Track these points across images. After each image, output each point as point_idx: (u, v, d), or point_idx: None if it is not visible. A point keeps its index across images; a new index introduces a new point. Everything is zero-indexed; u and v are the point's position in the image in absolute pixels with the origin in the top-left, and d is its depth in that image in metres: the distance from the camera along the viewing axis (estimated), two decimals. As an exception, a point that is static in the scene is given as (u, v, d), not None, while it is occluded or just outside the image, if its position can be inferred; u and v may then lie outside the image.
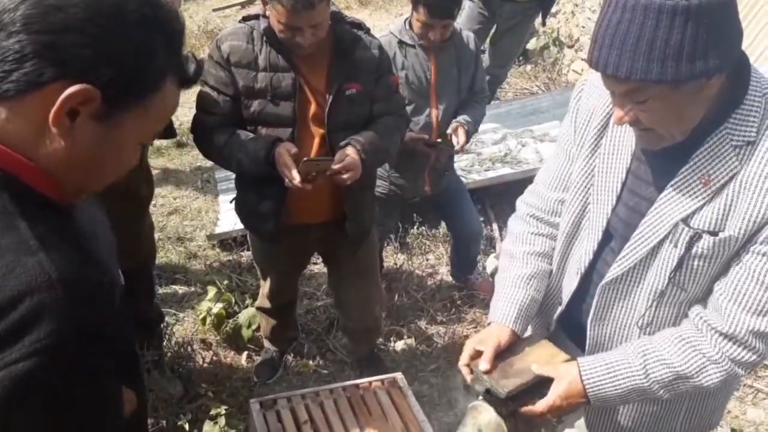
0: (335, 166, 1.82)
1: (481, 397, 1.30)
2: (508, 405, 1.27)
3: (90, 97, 0.69)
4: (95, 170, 0.77)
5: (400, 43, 2.46)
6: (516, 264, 1.45)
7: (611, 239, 1.31)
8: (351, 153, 1.85)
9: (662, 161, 1.19)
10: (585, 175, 1.33)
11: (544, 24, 4.43)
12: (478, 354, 1.33)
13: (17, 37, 0.67)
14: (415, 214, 3.47)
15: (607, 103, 1.26)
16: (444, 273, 3.31)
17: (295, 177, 1.78)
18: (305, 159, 1.78)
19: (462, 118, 2.58)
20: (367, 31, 2.01)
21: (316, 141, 1.92)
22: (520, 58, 5.11)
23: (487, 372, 1.28)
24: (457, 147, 2.54)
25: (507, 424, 1.26)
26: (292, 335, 2.71)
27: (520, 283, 1.41)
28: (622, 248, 1.26)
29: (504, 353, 1.32)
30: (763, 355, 1.18)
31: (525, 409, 1.27)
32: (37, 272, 0.64)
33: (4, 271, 0.64)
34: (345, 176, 1.83)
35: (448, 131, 2.55)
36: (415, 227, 3.48)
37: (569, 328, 1.45)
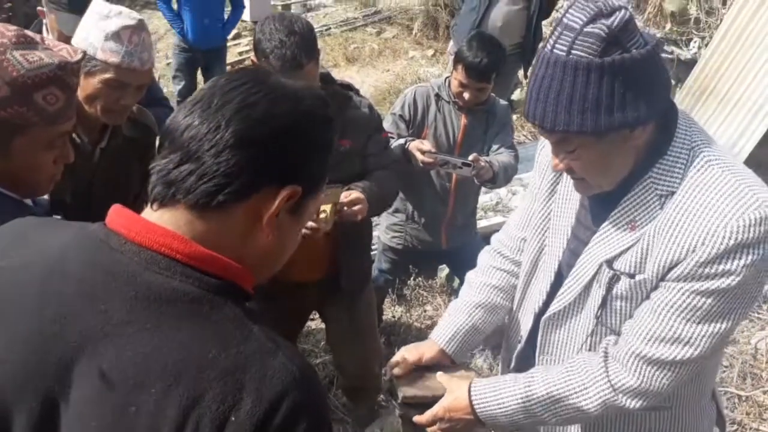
0: (344, 200, 1.81)
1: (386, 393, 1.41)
2: (407, 411, 1.36)
3: (295, 195, 0.75)
4: (281, 257, 0.83)
5: (437, 96, 2.57)
6: (469, 291, 1.53)
7: (562, 280, 1.35)
8: (355, 192, 1.87)
9: (598, 206, 1.25)
10: (542, 217, 1.40)
11: (526, 76, 4.58)
12: (402, 360, 1.43)
13: (231, 153, 0.71)
14: (410, 266, 3.47)
15: None
16: (443, 324, 3.28)
17: None
18: None
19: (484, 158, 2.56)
20: (357, 92, 2.08)
21: None
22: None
23: (398, 377, 1.39)
24: (470, 158, 2.41)
25: (404, 428, 1.36)
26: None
27: (465, 309, 1.49)
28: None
29: (428, 369, 1.40)
30: (645, 382, 1.17)
31: (416, 417, 1.33)
32: (285, 374, 0.68)
33: (260, 377, 0.67)
34: (356, 208, 1.83)
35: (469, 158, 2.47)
36: (412, 278, 3.48)
37: (527, 366, 1.46)
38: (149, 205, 0.76)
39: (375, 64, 7.13)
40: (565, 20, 1.06)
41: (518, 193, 4.08)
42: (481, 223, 3.77)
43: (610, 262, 1.20)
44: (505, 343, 1.56)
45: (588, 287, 1.25)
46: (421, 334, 3.20)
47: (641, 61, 1.05)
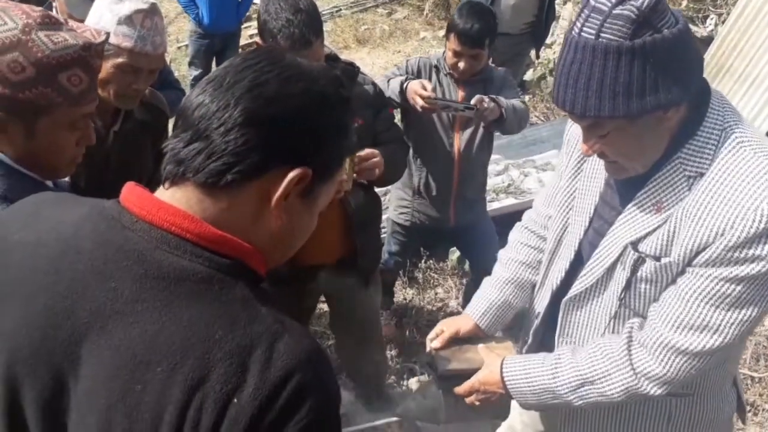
0: (360, 154, 1.81)
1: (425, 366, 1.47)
2: (444, 382, 1.41)
3: (305, 178, 0.74)
4: (293, 242, 0.82)
5: (436, 68, 2.53)
6: (500, 268, 1.57)
7: (582, 259, 1.35)
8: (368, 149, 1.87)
9: (625, 186, 1.24)
10: (567, 195, 1.39)
11: (538, 56, 4.53)
12: (440, 333, 1.49)
13: (241, 131, 0.71)
14: (422, 248, 3.48)
15: None
16: (454, 306, 3.30)
17: None
18: None
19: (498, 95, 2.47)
20: (359, 70, 2.07)
21: None
22: (518, 90, 5.19)
23: (437, 349, 1.44)
24: (473, 101, 2.32)
25: (445, 400, 1.41)
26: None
27: (496, 285, 1.54)
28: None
29: (465, 342, 1.46)
30: (672, 370, 1.16)
31: (455, 389, 1.38)
32: (290, 356, 0.68)
33: (264, 359, 0.67)
34: (374, 161, 1.82)
35: (472, 102, 2.36)
36: (423, 261, 3.48)
37: (543, 342, 1.48)
38: (162, 183, 0.76)
39: (386, 45, 7.07)
40: (592, 2, 1.03)
41: (530, 174, 4.05)
42: (493, 206, 3.74)
43: (635, 244, 1.19)
44: (524, 320, 1.58)
45: (611, 269, 1.24)
46: (432, 317, 3.22)
47: (673, 40, 1.02)
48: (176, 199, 0.74)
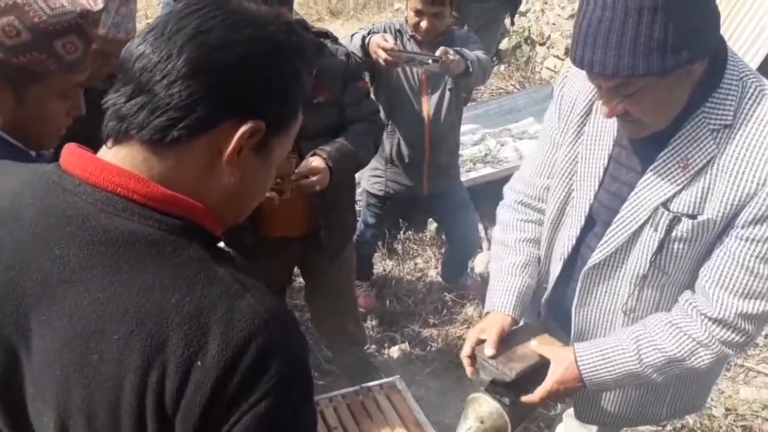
0: (301, 170, 1.79)
1: (482, 389, 1.32)
2: (510, 394, 1.29)
3: (257, 131, 0.70)
4: (249, 200, 0.78)
5: (398, 32, 2.47)
6: (509, 252, 1.47)
7: (594, 225, 1.33)
8: (315, 160, 1.84)
9: (643, 146, 1.21)
10: (569, 161, 1.35)
11: (512, 23, 4.50)
12: (480, 343, 1.35)
13: (185, 82, 0.66)
14: (400, 219, 3.48)
15: (590, 89, 1.29)
16: (433, 276, 3.32)
17: None
18: None
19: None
20: (334, 39, 2.02)
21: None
22: (494, 58, 5.17)
23: (493, 357, 1.30)
24: (438, 53, 2.23)
25: (508, 414, 1.29)
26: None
27: (515, 271, 1.43)
28: (605, 233, 1.28)
29: (506, 341, 1.35)
30: (751, 336, 1.20)
31: (525, 398, 1.29)
32: (252, 316, 0.66)
33: (226, 321, 0.64)
34: (313, 179, 1.80)
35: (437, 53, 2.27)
36: (402, 232, 3.49)
37: (556, 314, 1.48)
38: (104, 142, 0.72)
39: (360, 17, 6.97)
40: None
41: (507, 144, 4.05)
42: (470, 175, 3.75)
43: (665, 204, 1.17)
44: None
45: (638, 232, 1.22)
46: (412, 287, 3.24)
47: None
48: (120, 158, 0.70)
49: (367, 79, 2.52)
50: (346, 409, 1.84)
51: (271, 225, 2.00)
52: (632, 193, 1.22)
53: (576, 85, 1.34)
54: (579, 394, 1.47)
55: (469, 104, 4.34)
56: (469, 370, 1.36)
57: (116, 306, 0.65)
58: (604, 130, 1.28)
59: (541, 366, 1.31)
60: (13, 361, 0.69)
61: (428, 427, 1.78)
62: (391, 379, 1.99)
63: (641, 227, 1.22)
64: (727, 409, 2.49)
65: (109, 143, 0.71)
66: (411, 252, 3.46)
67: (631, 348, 1.25)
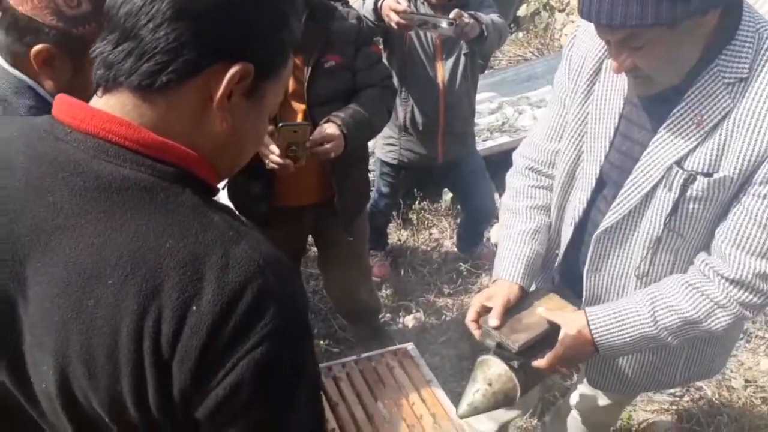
0: (315, 137, 1.77)
1: (491, 352, 1.29)
2: (519, 359, 1.26)
3: (247, 75, 0.69)
4: (243, 149, 0.77)
5: None
6: (519, 219, 1.43)
7: (605, 187, 1.29)
8: (330, 127, 1.82)
9: (655, 104, 1.17)
10: (578, 122, 1.31)
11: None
12: (486, 310, 1.32)
13: (170, 26, 0.66)
14: (416, 190, 3.45)
15: (600, 47, 1.24)
16: (448, 246, 3.30)
17: (274, 151, 1.75)
18: (281, 124, 1.72)
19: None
20: (345, 2, 1.97)
21: (299, 118, 1.88)
22: (512, 25, 5.06)
23: (497, 328, 1.27)
24: (452, 15, 2.18)
25: (517, 377, 1.26)
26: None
27: (525, 239, 1.39)
28: (616, 196, 1.24)
29: (512, 309, 1.31)
30: None
31: (535, 363, 1.26)
32: (247, 262, 0.65)
33: (221, 266, 0.64)
34: (328, 146, 1.78)
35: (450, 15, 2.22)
36: (417, 202, 3.46)
37: (568, 279, 1.44)
38: (95, 91, 0.71)
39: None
40: None
41: (525, 112, 3.98)
42: (487, 144, 3.70)
43: (680, 163, 1.13)
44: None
45: (651, 193, 1.18)
46: (427, 257, 3.23)
47: None
48: (111, 106, 0.69)
49: (380, 44, 2.47)
50: (358, 375, 1.84)
51: (285, 194, 1.99)
52: (645, 153, 1.18)
53: (585, 44, 1.29)
54: (591, 360, 1.45)
55: (486, 72, 4.26)
56: (476, 333, 1.33)
57: (111, 251, 0.65)
58: (615, 88, 1.23)
59: (551, 332, 1.27)
60: (10, 310, 0.69)
61: (441, 393, 1.77)
62: (404, 345, 1.98)
63: (654, 188, 1.18)
64: (746, 381, 2.45)
65: (99, 92, 0.71)
66: (426, 222, 3.43)
67: (645, 310, 1.22)
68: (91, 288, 0.65)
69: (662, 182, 1.16)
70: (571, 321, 1.27)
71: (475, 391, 1.27)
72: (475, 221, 3.07)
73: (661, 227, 1.20)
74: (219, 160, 0.75)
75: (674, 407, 2.36)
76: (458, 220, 3.30)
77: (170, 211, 0.67)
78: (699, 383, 2.38)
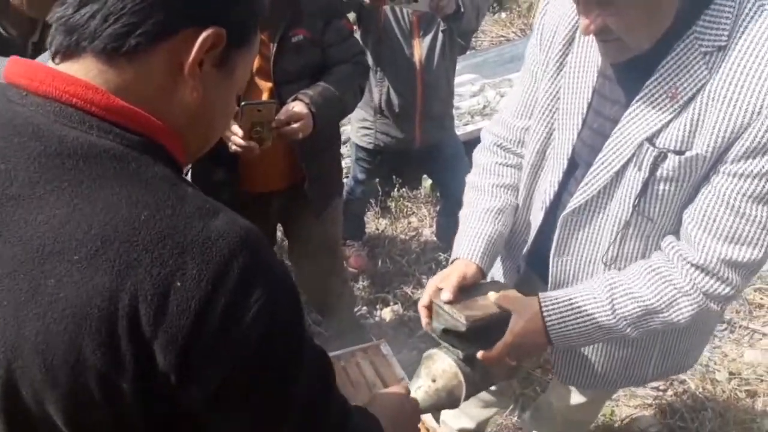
0: (281, 116, 1.66)
1: (441, 345, 1.18)
2: (466, 346, 1.15)
3: (219, 41, 0.65)
4: (213, 124, 0.73)
5: None
6: (483, 197, 1.34)
7: (577, 168, 1.19)
8: (297, 105, 1.70)
9: (628, 75, 1.08)
10: (550, 97, 1.21)
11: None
12: (439, 289, 1.20)
13: None
14: (394, 176, 3.34)
15: (573, 15, 1.14)
16: (428, 235, 3.20)
17: (237, 132, 1.62)
18: (243, 103, 1.60)
19: None
20: None
21: (265, 96, 1.76)
22: (494, 4, 4.93)
23: (449, 302, 1.15)
24: None
25: (464, 373, 1.15)
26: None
27: (487, 217, 1.30)
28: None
29: (468, 292, 1.20)
30: (737, 287, 1.07)
31: (481, 354, 1.15)
32: (230, 235, 0.61)
33: (203, 239, 0.59)
34: (295, 126, 1.67)
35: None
36: (396, 189, 3.35)
37: (536, 266, 1.34)
38: (51, 59, 0.64)
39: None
40: None
41: (507, 94, 3.87)
42: (467, 128, 3.60)
43: (651, 140, 1.05)
44: (505, 248, 1.41)
45: (621, 172, 1.10)
46: (406, 246, 3.12)
47: None
48: (73, 72, 0.63)
49: (354, 22, 2.34)
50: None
51: (250, 179, 1.87)
52: (615, 129, 1.09)
53: (558, 12, 1.19)
54: (557, 353, 1.36)
55: (467, 53, 4.13)
56: (424, 321, 1.21)
57: (77, 224, 0.57)
58: (588, 60, 1.14)
59: (503, 319, 1.16)
60: None
61: (414, 395, 1.67)
62: (375, 342, 1.87)
63: (624, 166, 1.09)
64: (730, 373, 2.39)
65: (57, 59, 0.64)
66: (405, 210, 3.33)
67: (603, 297, 1.12)
68: (52, 265, 0.57)
69: (632, 160, 1.08)
70: (523, 307, 1.16)
71: (417, 387, 1.16)
72: (455, 208, 2.96)
73: (630, 210, 1.11)
74: (189, 135, 0.69)
75: (657, 402, 2.29)
76: (438, 208, 3.20)
77: (143, 182, 0.61)
78: (682, 376, 2.32)
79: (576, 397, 1.63)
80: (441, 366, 1.16)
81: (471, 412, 1.85)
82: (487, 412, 1.87)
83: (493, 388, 1.74)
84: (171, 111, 0.66)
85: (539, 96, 1.23)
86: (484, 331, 1.14)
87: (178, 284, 0.57)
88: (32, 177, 0.58)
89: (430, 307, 1.21)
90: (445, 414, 1.90)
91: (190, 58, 0.63)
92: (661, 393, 2.32)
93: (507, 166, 1.35)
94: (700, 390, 2.32)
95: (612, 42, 1.02)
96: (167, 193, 0.60)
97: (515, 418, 2.24)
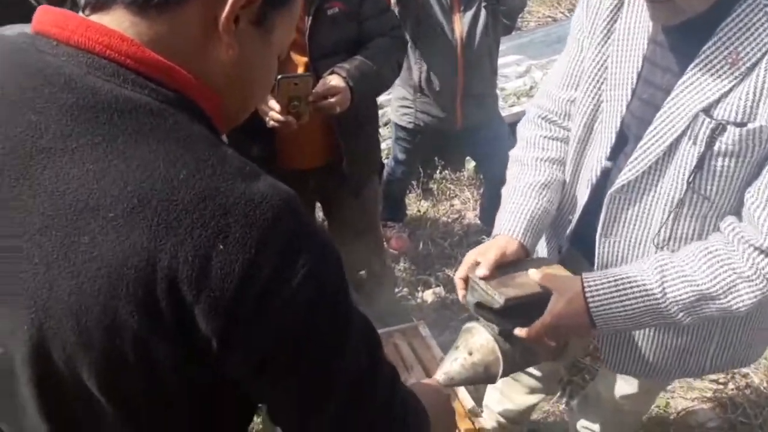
0: (318, 89, 1.62)
1: (480, 320, 1.12)
2: (502, 323, 1.09)
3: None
4: (251, 87, 0.70)
5: None
6: (526, 171, 1.25)
7: (626, 142, 1.11)
8: (334, 79, 1.66)
9: (681, 41, 0.99)
10: (597, 66, 1.13)
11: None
12: (477, 266, 1.13)
13: None
14: (437, 158, 3.26)
15: None
16: (471, 217, 3.12)
17: (274, 107, 1.59)
18: (280, 76, 1.56)
19: None
20: None
21: (300, 70, 1.73)
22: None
23: (485, 279, 1.09)
24: None
25: (502, 349, 1.09)
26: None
27: (530, 193, 1.22)
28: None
29: (508, 268, 1.13)
30: None
31: (517, 331, 1.08)
32: (273, 198, 0.58)
33: (246, 201, 0.56)
34: (332, 99, 1.63)
35: None
36: (438, 171, 3.28)
37: (581, 248, 1.26)
38: (81, 10, 0.61)
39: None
40: None
41: (552, 67, 3.74)
42: (513, 110, 3.50)
43: (708, 111, 0.97)
44: (549, 227, 1.33)
45: (674, 146, 1.03)
46: (448, 228, 3.05)
47: None
48: (104, 23, 0.59)
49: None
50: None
51: (287, 155, 1.84)
52: (668, 99, 1.01)
53: None
54: (605, 339, 1.28)
55: (513, 33, 4.01)
56: (461, 293, 1.15)
57: (112, 180, 0.54)
58: (638, 25, 1.06)
59: (543, 299, 1.09)
60: None
61: (454, 376, 1.61)
62: (413, 323, 1.82)
63: (678, 140, 1.01)
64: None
65: (87, 11, 0.60)
66: (447, 192, 3.25)
67: (653, 279, 1.03)
68: (86, 222, 0.54)
69: (687, 133, 0.99)
70: (564, 286, 1.08)
71: (454, 359, 1.11)
72: (498, 191, 2.87)
73: (684, 187, 1.02)
74: (226, 98, 0.65)
75: (717, 395, 2.16)
76: (482, 190, 3.11)
77: (182, 140, 0.57)
78: (745, 370, 2.18)
79: (626, 387, 1.53)
80: (479, 340, 1.11)
81: (515, 397, 1.78)
82: (533, 398, 1.80)
83: (537, 373, 1.67)
84: (207, 69, 0.62)
85: (585, 66, 1.16)
86: (521, 310, 1.08)
87: (221, 247, 0.54)
88: (64, 130, 0.55)
89: (467, 280, 1.15)
90: (488, 398, 1.83)
91: (225, 12, 0.60)
92: (721, 386, 2.18)
93: (552, 139, 1.28)
94: (765, 385, 2.17)
95: (663, 3, 0.94)
96: (207, 153, 0.57)
97: (562, 406, 2.14)
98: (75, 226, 0.54)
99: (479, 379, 1.12)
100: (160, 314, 0.54)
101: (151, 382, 0.58)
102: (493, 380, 1.13)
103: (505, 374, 1.12)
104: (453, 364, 1.10)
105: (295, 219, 0.58)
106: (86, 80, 0.56)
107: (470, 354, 1.10)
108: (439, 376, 1.12)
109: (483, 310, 1.09)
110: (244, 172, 0.57)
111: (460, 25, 2.29)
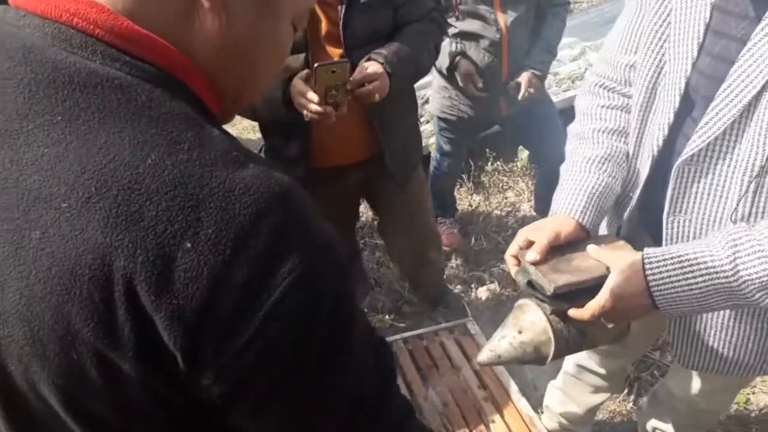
0: (356, 77, 1.57)
1: (533, 297, 1.03)
2: (555, 303, 1.00)
3: None
4: (252, 66, 0.60)
5: None
6: (584, 145, 1.14)
7: (693, 106, 0.98)
8: (371, 65, 1.60)
9: None
10: (659, 22, 1.01)
11: None
12: (530, 245, 1.04)
13: None
14: (487, 150, 3.15)
15: None
16: (526, 210, 2.98)
17: (313, 98, 1.54)
18: (316, 65, 1.51)
19: (531, 62, 2.26)
20: None
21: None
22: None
23: (535, 263, 1.00)
24: (520, 95, 2.23)
25: (554, 329, 1.01)
26: (362, 290, 2.52)
27: (589, 167, 1.11)
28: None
29: (564, 249, 1.03)
30: None
31: (572, 311, 0.98)
32: (260, 189, 0.50)
33: (224, 192, 0.49)
34: (370, 86, 1.57)
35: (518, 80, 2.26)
36: (489, 164, 3.16)
37: (649, 229, 1.14)
38: None
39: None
40: None
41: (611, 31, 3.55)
42: (567, 94, 3.33)
43: None
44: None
45: (752, 105, 0.91)
46: (501, 222, 2.94)
47: None
48: None
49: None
50: (407, 357, 1.62)
51: (327, 151, 1.80)
52: (744, 50, 0.89)
53: None
54: (675, 330, 1.15)
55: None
56: (512, 270, 1.07)
57: (68, 164, 0.48)
58: None
59: (601, 285, 0.99)
60: None
61: (504, 375, 1.51)
62: (462, 320, 1.73)
63: (757, 98, 0.89)
64: None
65: None
66: (500, 185, 3.13)
67: (723, 254, 0.91)
68: (38, 214, 0.48)
69: (764, 93, 0.87)
70: (622, 262, 0.97)
71: (502, 336, 1.03)
72: (553, 178, 2.72)
73: (763, 153, 0.90)
74: (221, 77, 0.57)
75: (807, 389, 1.95)
76: (536, 181, 2.98)
77: (154, 119, 0.50)
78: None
79: (701, 384, 1.39)
80: (530, 318, 1.02)
81: (578, 398, 1.66)
82: (597, 398, 1.67)
83: (602, 370, 1.55)
84: (194, 43, 0.55)
85: (645, 24, 1.04)
86: (576, 294, 0.99)
87: (188, 245, 0.47)
88: (20, 109, 0.49)
89: (517, 257, 1.06)
90: (549, 398, 1.73)
91: None
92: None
93: (611, 108, 1.16)
94: None
95: None
96: (184, 134, 0.50)
97: (630, 405, 2.00)
98: (26, 219, 0.48)
99: (528, 359, 1.05)
100: (118, 324, 0.47)
101: (120, 406, 0.51)
102: (543, 362, 1.05)
103: (556, 356, 1.04)
104: (501, 342, 1.03)
105: (286, 215, 0.50)
106: (48, 53, 0.50)
107: (520, 332, 1.02)
108: (484, 354, 1.05)
109: (534, 290, 1.01)
110: (228, 158, 0.50)
111: (503, 13, 2.20)
